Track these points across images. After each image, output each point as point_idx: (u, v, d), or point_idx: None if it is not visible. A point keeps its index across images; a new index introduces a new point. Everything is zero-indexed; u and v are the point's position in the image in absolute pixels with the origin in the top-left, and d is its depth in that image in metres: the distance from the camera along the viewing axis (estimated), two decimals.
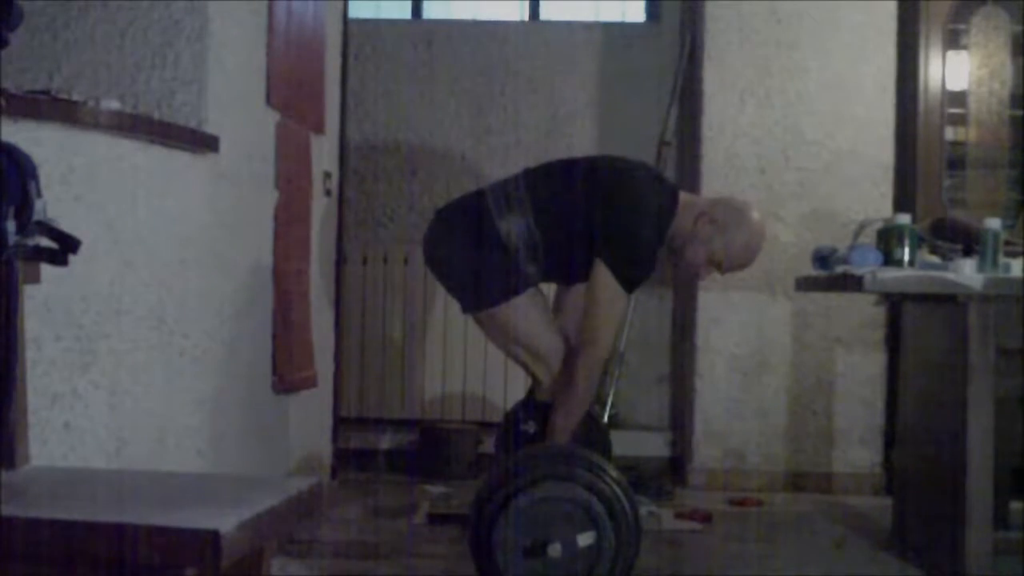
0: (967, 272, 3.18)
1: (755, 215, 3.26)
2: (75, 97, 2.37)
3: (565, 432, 3.16)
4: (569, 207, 3.19)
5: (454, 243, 3.27)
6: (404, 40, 5.23)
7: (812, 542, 3.80)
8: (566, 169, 3.32)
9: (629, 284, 3.16)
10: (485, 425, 4.77)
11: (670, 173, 4.95)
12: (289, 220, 3.52)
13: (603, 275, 3.12)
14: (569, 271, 3.30)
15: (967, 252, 3.35)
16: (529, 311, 3.22)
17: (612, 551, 2.79)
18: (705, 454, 4.66)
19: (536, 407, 3.30)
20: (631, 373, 4.93)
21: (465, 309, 3.32)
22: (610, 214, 3.15)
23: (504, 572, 2.78)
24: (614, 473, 2.88)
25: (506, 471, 2.89)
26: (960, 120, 4.63)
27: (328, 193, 4.12)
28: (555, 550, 2.76)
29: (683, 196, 3.30)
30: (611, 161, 3.36)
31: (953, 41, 4.62)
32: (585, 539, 2.78)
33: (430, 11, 5.44)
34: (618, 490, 2.83)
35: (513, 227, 3.18)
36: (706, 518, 4.01)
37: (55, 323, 2.27)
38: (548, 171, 3.33)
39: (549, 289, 3.45)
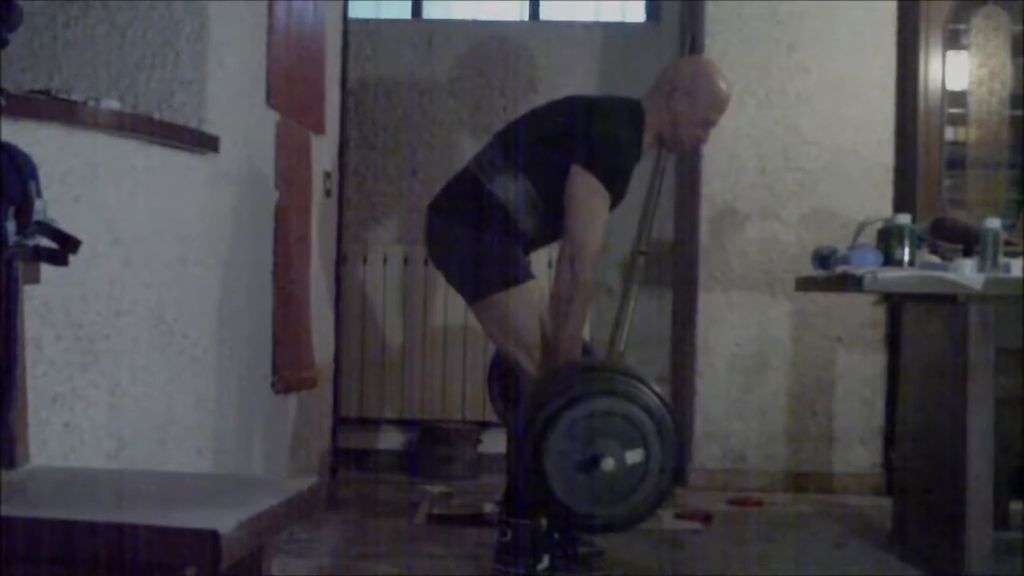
0: (967, 272, 3.18)
1: (705, 59, 3.55)
2: (75, 97, 2.37)
3: (577, 331, 3.12)
4: (551, 149, 3.17)
5: (453, 226, 3.24)
6: (404, 40, 5.22)
7: (812, 542, 3.80)
8: (537, 115, 3.35)
9: (609, 182, 3.12)
10: (485, 425, 4.76)
11: (670, 173, 4.94)
12: (289, 220, 3.52)
13: (581, 175, 3.10)
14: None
15: (967, 252, 3.35)
16: (527, 301, 3.20)
17: (657, 468, 2.78)
18: (705, 454, 4.66)
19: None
20: None
21: (467, 297, 3.28)
22: (586, 124, 3.16)
23: (555, 485, 2.77)
24: (657, 389, 2.88)
25: (555, 386, 2.87)
26: (960, 120, 4.63)
27: (328, 193, 4.12)
28: (608, 464, 2.74)
29: (644, 97, 3.32)
30: (579, 96, 3.43)
31: (953, 41, 4.61)
32: (633, 456, 2.76)
33: (430, 11, 5.44)
34: (663, 406, 2.83)
35: (507, 186, 3.17)
36: (706, 518, 4.01)
37: (55, 323, 2.27)
38: (519, 124, 3.34)
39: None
